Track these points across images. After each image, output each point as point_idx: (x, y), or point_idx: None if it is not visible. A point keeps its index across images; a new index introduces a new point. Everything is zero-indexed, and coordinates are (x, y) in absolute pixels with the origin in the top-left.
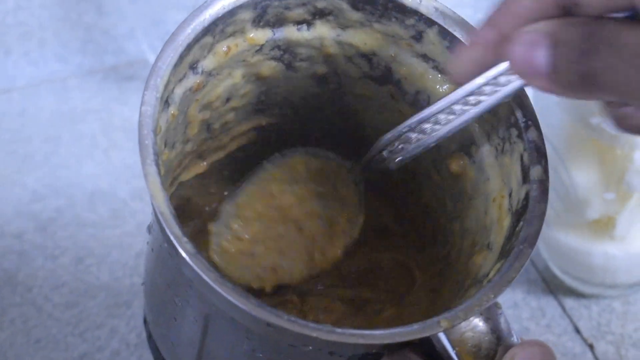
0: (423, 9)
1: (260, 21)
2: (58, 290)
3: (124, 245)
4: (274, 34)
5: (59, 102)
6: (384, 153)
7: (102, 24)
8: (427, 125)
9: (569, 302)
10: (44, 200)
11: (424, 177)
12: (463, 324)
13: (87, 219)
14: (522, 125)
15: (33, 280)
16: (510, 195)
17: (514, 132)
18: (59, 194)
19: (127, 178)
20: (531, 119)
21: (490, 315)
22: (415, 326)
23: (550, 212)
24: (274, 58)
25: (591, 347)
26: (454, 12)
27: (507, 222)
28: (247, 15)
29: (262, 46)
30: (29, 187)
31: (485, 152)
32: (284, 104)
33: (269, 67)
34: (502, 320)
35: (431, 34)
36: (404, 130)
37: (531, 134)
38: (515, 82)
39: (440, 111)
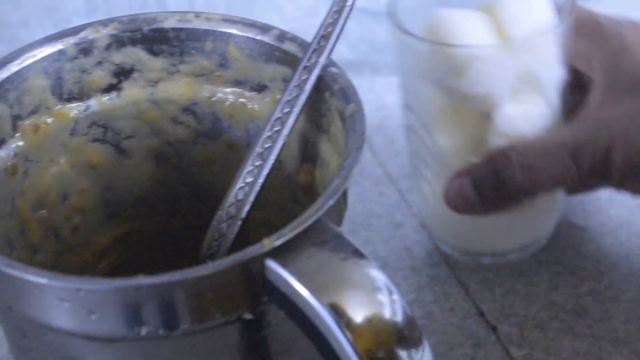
0: (213, 26)
1: (61, 92)
2: None
3: None
4: (85, 109)
5: None
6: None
7: None
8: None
9: (473, 285)
10: None
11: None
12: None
13: None
14: (329, 86)
15: None
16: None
17: (328, 96)
18: None
19: None
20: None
21: (340, 244)
22: (235, 255)
23: (424, 185)
24: (97, 140)
25: (494, 329)
26: (243, 18)
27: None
28: (41, 81)
29: (76, 124)
30: None
31: (322, 141)
32: (136, 203)
33: (95, 152)
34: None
35: (232, 50)
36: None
37: (337, 85)
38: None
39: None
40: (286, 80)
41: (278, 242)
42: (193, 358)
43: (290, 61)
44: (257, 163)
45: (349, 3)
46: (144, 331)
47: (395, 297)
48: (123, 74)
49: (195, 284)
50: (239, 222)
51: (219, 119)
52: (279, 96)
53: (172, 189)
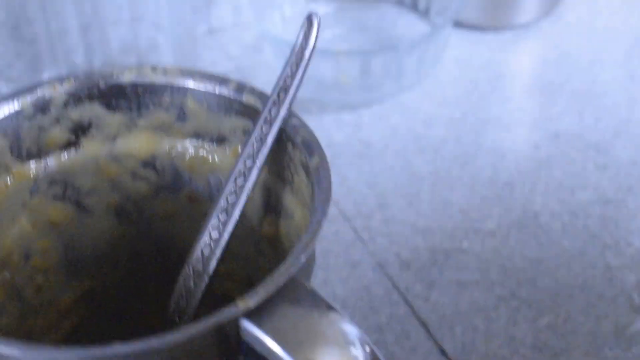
0: (170, 79)
1: (20, 151)
2: None
3: None
4: (44, 167)
5: None
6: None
7: None
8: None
9: (432, 323)
10: None
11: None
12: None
13: None
14: (290, 138)
15: None
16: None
17: (290, 148)
18: None
19: None
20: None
21: (313, 301)
22: (210, 318)
23: None
24: (57, 197)
25: None
26: (199, 70)
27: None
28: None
29: (36, 182)
30: None
31: (285, 193)
32: (99, 259)
33: (56, 210)
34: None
35: (189, 103)
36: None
37: (299, 137)
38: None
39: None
40: (246, 132)
41: (252, 303)
42: None
43: (250, 113)
44: (222, 218)
45: (306, 56)
46: None
47: (369, 349)
48: (81, 130)
49: (171, 350)
50: (206, 278)
51: (179, 172)
52: (239, 148)
53: (134, 244)
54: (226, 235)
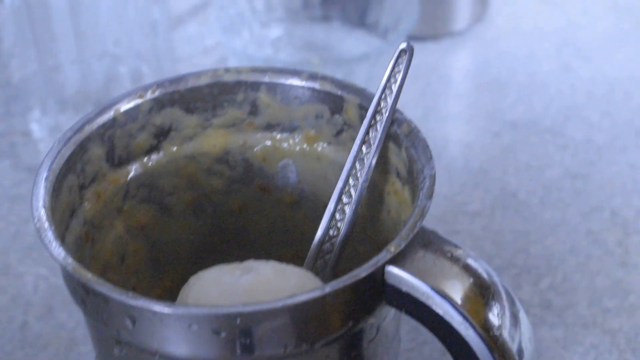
0: (244, 77)
1: (113, 158)
2: None
3: None
4: (133, 172)
5: None
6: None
7: None
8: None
9: None
10: None
11: None
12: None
13: None
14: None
15: None
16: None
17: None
18: None
19: None
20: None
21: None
22: (362, 267)
23: None
24: (143, 200)
25: None
26: (271, 66)
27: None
28: (98, 150)
29: (127, 186)
30: None
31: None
32: (178, 256)
33: (143, 213)
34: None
35: (263, 97)
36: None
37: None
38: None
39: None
40: (318, 117)
41: (400, 248)
42: None
43: (323, 98)
44: (352, 182)
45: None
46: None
47: (494, 278)
48: (162, 134)
49: (336, 295)
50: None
51: (250, 164)
52: (312, 133)
53: (209, 237)
54: (355, 200)
